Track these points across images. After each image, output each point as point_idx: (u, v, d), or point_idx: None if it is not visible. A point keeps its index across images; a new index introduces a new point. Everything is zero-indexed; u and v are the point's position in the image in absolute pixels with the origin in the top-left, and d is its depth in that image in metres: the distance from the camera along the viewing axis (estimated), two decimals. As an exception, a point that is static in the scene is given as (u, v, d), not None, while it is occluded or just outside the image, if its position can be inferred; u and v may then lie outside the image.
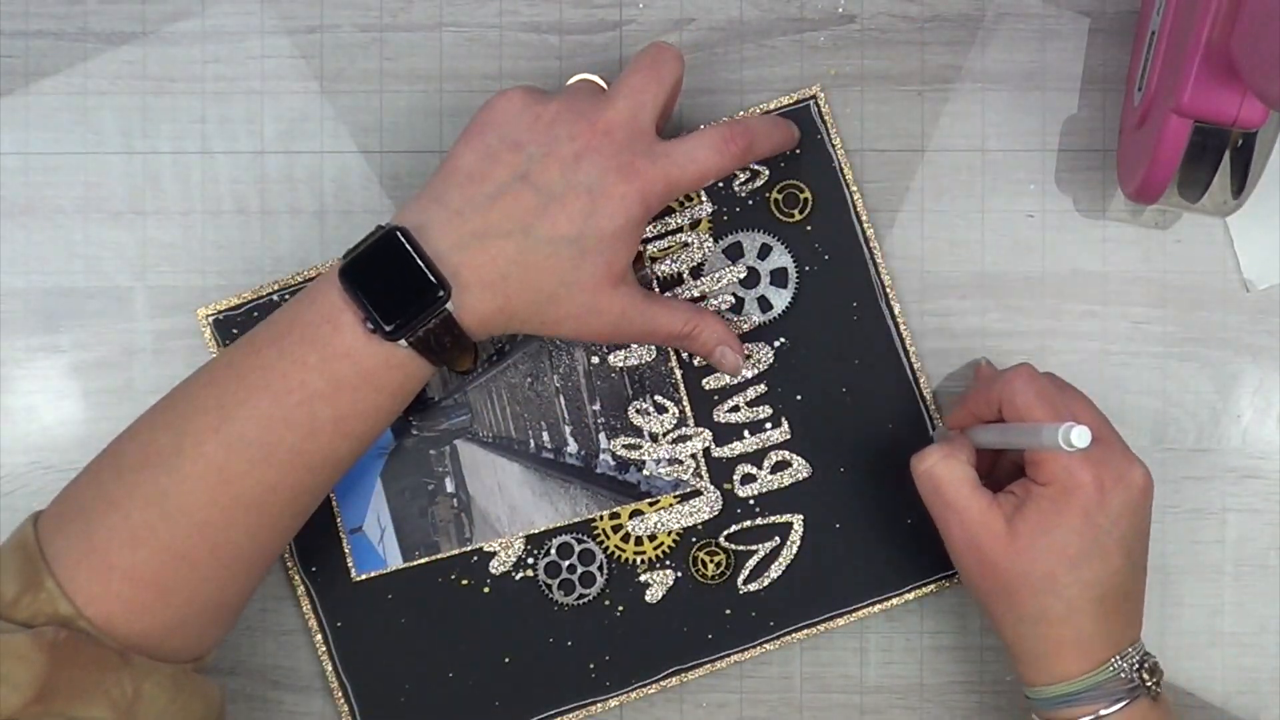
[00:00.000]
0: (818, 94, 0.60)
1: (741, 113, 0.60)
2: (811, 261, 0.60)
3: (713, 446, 0.60)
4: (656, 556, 0.60)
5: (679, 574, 0.60)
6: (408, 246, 0.50)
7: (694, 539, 0.60)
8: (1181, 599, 0.61)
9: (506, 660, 0.59)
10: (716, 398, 0.60)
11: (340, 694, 0.59)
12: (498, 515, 0.60)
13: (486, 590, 0.60)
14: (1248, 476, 0.61)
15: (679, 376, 0.60)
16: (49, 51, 0.61)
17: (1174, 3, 0.54)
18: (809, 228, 0.60)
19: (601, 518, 0.60)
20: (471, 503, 0.60)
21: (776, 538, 0.60)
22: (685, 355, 0.60)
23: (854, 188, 0.60)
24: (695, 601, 0.60)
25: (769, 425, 0.60)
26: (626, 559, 0.59)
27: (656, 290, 0.60)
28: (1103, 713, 0.52)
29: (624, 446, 0.60)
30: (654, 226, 0.60)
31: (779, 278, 0.60)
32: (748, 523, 0.60)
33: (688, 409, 0.60)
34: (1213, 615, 0.61)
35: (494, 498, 0.60)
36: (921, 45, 0.61)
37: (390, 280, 0.50)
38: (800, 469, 0.60)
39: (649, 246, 0.60)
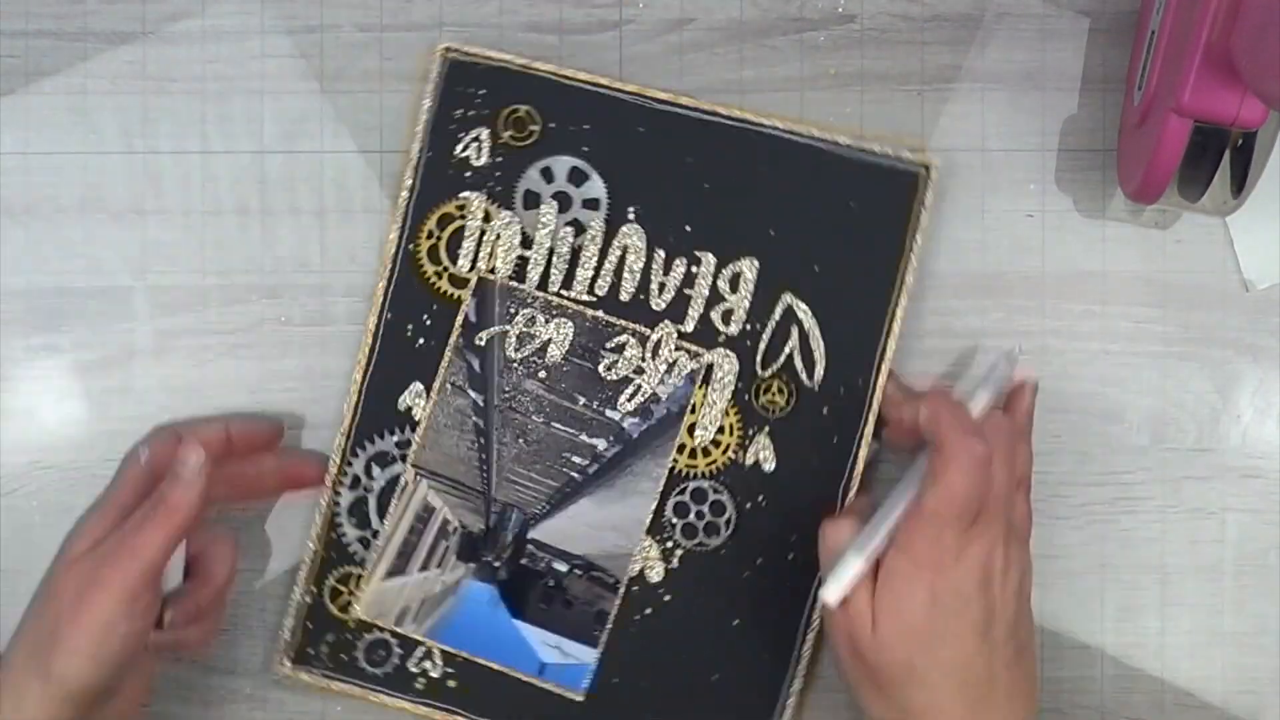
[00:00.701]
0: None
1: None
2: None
3: (681, 328, 0.59)
4: (737, 444, 0.59)
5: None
6: None
7: (746, 395, 0.59)
8: (1181, 599, 0.61)
9: None
10: (643, 296, 0.59)
11: None
12: (615, 543, 0.59)
13: (666, 598, 0.60)
14: (1248, 476, 0.61)
15: (609, 317, 0.59)
16: (49, 51, 0.61)
17: (1174, 3, 0.54)
18: None
19: (676, 460, 0.59)
20: (590, 560, 0.59)
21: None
22: (599, 292, 0.59)
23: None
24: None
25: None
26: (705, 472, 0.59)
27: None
28: None
29: (628, 399, 0.60)
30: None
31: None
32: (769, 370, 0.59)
33: (639, 328, 0.59)
34: (1213, 615, 0.61)
35: (600, 536, 0.59)
36: (921, 45, 0.61)
37: None
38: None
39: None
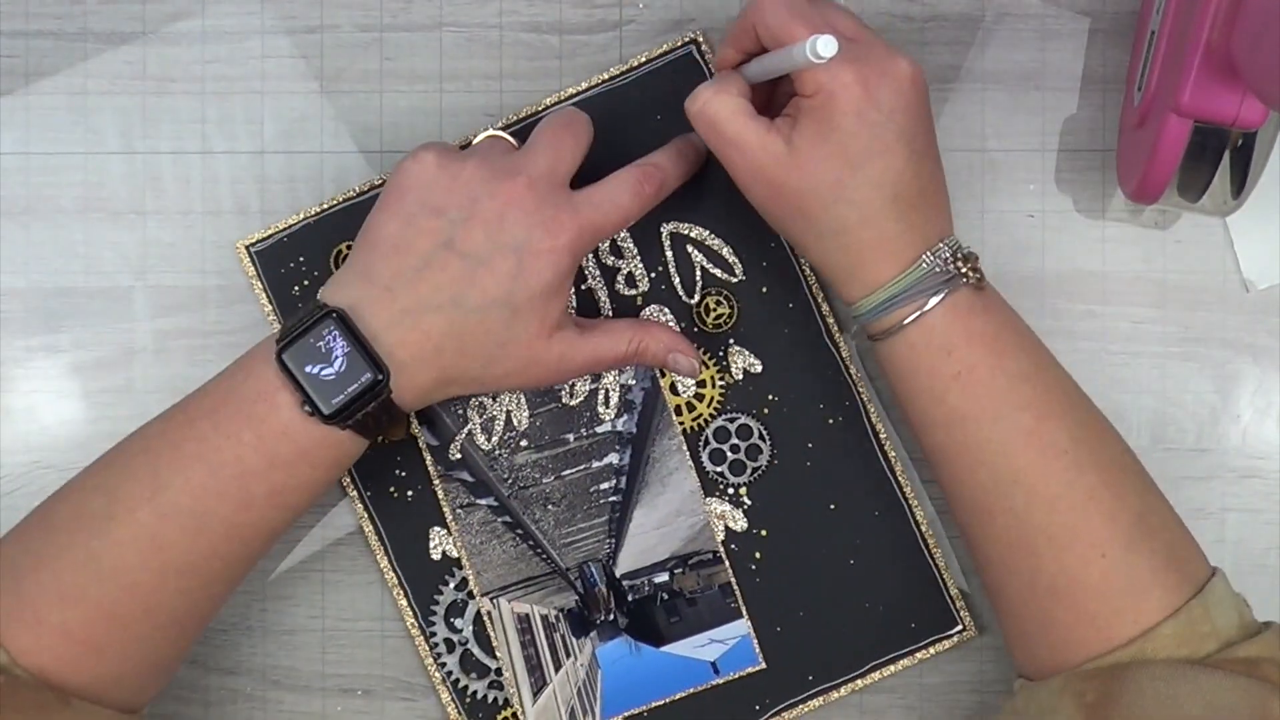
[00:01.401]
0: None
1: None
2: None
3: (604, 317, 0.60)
4: (719, 396, 0.60)
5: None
6: (346, 331, 0.51)
7: (695, 327, 0.60)
8: (1181, 599, 0.61)
9: None
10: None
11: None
12: (688, 525, 0.60)
13: (763, 533, 0.60)
14: (1248, 476, 0.61)
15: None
16: (49, 51, 0.61)
17: (1174, 3, 0.54)
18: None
19: (682, 422, 0.59)
20: (680, 554, 0.60)
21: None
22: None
23: None
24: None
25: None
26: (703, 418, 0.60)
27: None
28: (926, 308, 0.51)
29: (605, 405, 0.59)
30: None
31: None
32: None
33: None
34: (1212, 615, 0.61)
35: (672, 530, 0.60)
36: (921, 45, 0.61)
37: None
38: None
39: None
